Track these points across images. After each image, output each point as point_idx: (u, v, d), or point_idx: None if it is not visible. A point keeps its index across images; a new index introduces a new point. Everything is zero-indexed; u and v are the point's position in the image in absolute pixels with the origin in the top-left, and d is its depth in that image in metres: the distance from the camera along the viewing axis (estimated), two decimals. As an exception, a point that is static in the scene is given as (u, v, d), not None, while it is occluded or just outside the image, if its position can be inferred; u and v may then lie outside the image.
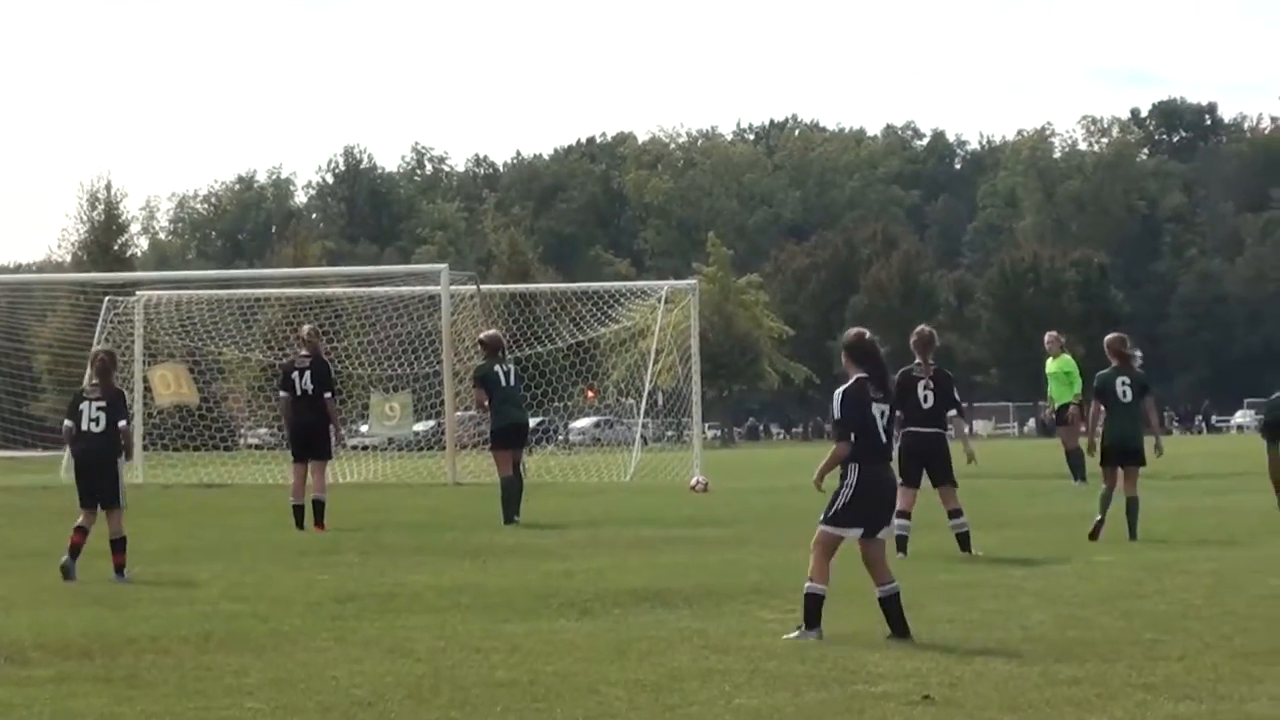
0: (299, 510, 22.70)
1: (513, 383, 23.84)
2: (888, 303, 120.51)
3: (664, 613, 13.03)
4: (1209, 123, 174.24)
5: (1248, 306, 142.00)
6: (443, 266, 42.04)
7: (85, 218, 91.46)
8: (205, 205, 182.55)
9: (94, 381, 16.42)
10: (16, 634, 12.10)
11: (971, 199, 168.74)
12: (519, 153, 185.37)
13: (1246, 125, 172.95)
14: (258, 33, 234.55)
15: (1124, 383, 18.98)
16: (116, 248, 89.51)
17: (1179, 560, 16.29)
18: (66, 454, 38.66)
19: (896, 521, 17.49)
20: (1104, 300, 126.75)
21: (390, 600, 14.11)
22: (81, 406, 16.34)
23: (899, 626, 11.49)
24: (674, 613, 13.02)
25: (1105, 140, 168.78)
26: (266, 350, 46.83)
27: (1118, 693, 9.31)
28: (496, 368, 23.69)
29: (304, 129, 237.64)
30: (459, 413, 38.76)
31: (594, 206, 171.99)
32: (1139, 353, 20.40)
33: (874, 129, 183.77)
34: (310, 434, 23.10)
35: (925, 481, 17.74)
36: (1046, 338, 32.48)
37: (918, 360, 17.79)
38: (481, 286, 43.60)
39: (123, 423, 16.39)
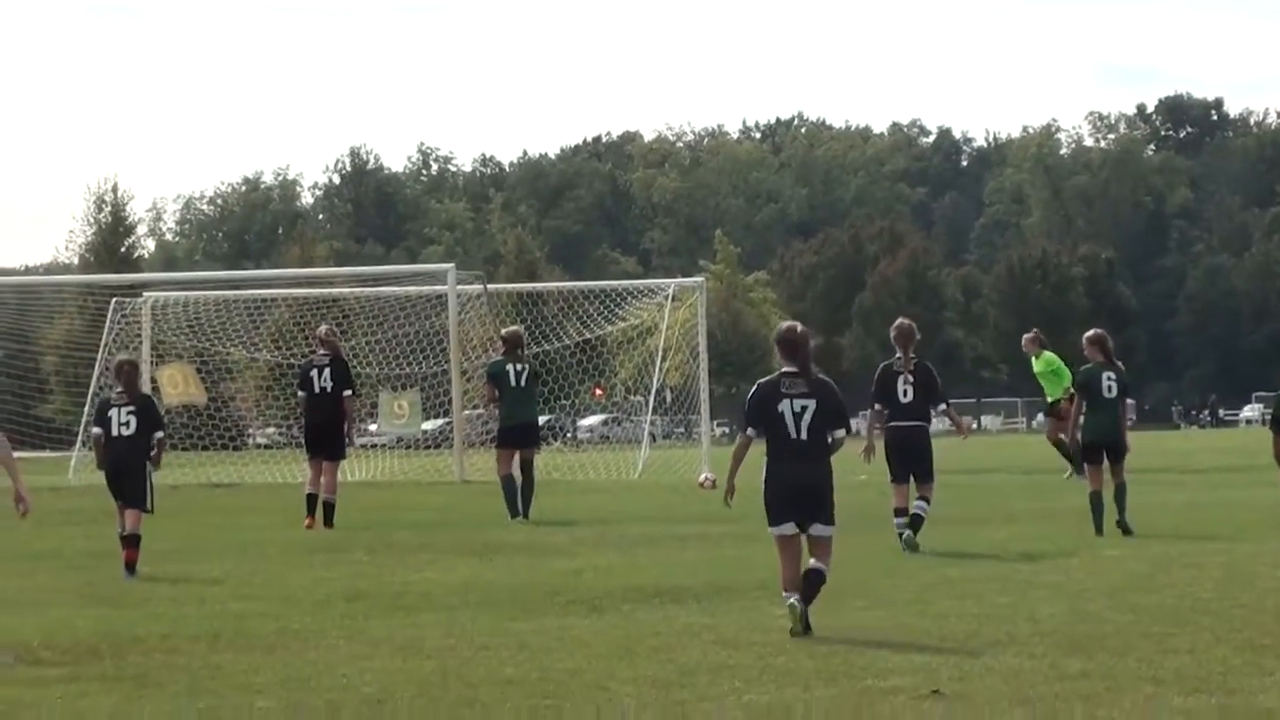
0: (311, 499, 22.82)
1: (523, 383, 23.78)
2: (895, 300, 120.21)
3: (673, 609, 13.02)
4: (1216, 118, 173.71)
5: (1255, 301, 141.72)
6: (449, 266, 42.01)
7: (92, 220, 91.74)
8: (212, 206, 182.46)
9: (119, 389, 16.63)
10: (26, 634, 12.10)
11: (978, 196, 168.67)
12: (525, 152, 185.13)
13: (1253, 121, 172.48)
14: (263, 35, 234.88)
15: (1109, 378, 18.95)
16: (124, 249, 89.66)
17: (1188, 554, 16.27)
18: (74, 456, 39.29)
19: (896, 521, 17.59)
20: (1112, 296, 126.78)
21: (399, 598, 14.11)
22: (110, 413, 16.58)
23: (807, 597, 11.46)
24: (683, 609, 13.01)
25: (1112, 136, 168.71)
26: (274, 350, 46.85)
27: (1127, 686, 9.29)
28: (508, 366, 23.69)
29: (310, 130, 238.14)
30: (467, 411, 38.76)
31: (601, 205, 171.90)
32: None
33: (880, 126, 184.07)
34: (323, 433, 23.16)
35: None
36: (1024, 340, 31.85)
37: (898, 354, 17.87)
38: (488, 286, 43.60)
39: (159, 434, 16.69)
